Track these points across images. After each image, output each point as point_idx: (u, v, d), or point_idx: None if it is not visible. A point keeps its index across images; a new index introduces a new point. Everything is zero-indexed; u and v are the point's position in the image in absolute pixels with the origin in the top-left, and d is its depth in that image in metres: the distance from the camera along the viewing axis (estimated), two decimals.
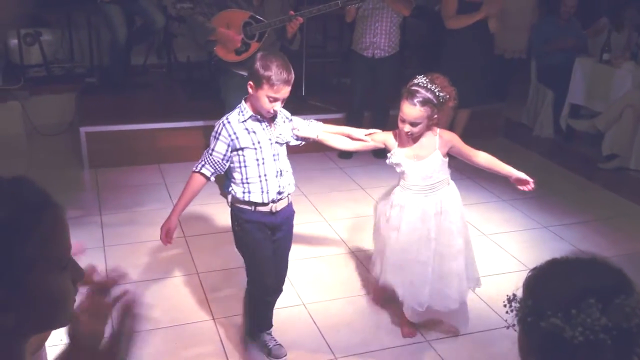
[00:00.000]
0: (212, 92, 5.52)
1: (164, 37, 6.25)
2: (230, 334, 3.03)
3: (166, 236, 2.63)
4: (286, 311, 3.21)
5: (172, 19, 6.18)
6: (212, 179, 2.63)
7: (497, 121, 6.13)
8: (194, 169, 2.60)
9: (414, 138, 2.72)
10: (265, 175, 2.59)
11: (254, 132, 2.57)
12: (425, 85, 2.62)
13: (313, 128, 2.76)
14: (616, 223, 4.33)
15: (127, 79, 5.81)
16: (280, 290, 2.89)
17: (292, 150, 5.08)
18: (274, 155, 2.61)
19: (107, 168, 4.88)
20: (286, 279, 3.40)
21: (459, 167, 5.18)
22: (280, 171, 2.63)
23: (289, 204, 2.72)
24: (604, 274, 1.08)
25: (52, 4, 5.85)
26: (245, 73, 4.04)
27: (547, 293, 1.05)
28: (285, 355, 2.88)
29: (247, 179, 2.59)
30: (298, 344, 2.98)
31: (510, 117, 6.25)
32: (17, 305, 0.88)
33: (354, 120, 5.30)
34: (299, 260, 3.70)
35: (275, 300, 2.90)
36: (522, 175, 2.82)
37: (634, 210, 4.57)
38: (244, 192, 2.60)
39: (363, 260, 3.72)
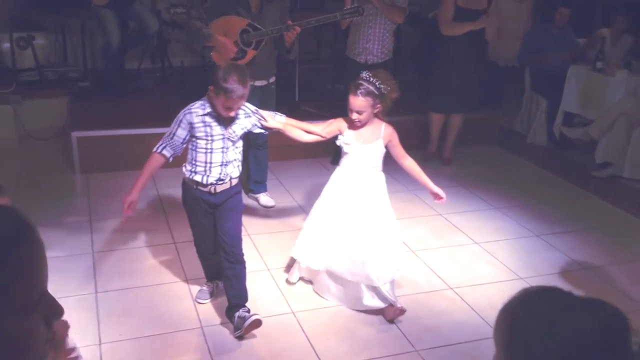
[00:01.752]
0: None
1: (157, 41, 6.23)
2: (218, 342, 3.00)
3: (129, 208, 2.92)
4: (275, 319, 3.19)
5: (166, 24, 6.16)
6: (171, 159, 2.95)
7: (491, 129, 6.12)
8: (155, 149, 2.94)
9: (361, 125, 3.15)
10: (210, 163, 2.94)
11: (209, 125, 2.89)
12: (367, 79, 3.07)
13: (277, 120, 3.14)
14: (609, 232, 4.32)
15: (120, 84, 5.79)
16: (241, 261, 3.05)
17: (285, 157, 5.08)
18: (222, 148, 2.93)
19: (98, 173, 4.86)
20: (274, 283, 3.38)
21: (452, 176, 5.20)
22: (226, 162, 2.96)
23: (231, 186, 3.01)
24: (604, 320, 0.99)
25: (45, 7, 5.83)
26: None
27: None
28: (260, 318, 2.98)
29: (195, 161, 2.95)
30: (286, 352, 2.95)
31: (504, 124, 6.25)
32: None
33: None
34: (290, 267, 3.68)
35: (241, 272, 3.05)
36: (436, 189, 3.27)
37: (627, 219, 4.56)
38: (190, 171, 2.97)
39: None
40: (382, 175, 3.29)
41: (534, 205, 4.67)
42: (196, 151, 2.93)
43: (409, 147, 5.61)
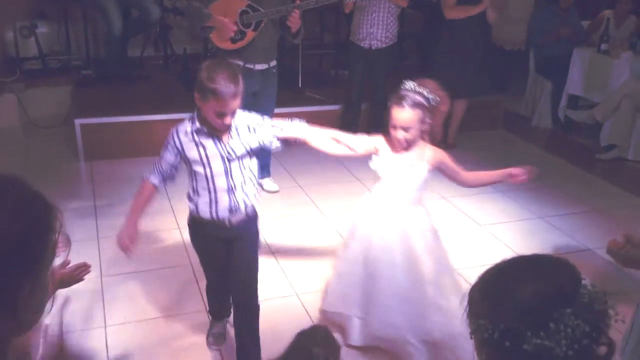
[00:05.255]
0: None
1: (160, 29, 6.22)
2: None
3: (131, 243, 2.48)
4: (279, 301, 3.21)
5: (168, 11, 6.15)
6: (162, 186, 2.54)
7: (496, 113, 6.10)
8: (144, 175, 2.54)
9: (407, 145, 2.60)
10: (215, 191, 2.45)
11: (202, 145, 2.41)
12: (414, 88, 2.56)
13: (297, 128, 2.56)
14: (613, 214, 4.31)
15: (123, 71, 5.79)
16: (255, 314, 2.65)
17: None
18: (225, 170, 2.44)
19: (102, 160, 4.87)
20: (278, 267, 3.37)
21: (456, 160, 5.17)
22: (234, 187, 2.46)
23: (248, 216, 2.55)
24: (555, 271, 1.06)
25: None
26: (241, 62, 4.03)
27: (515, 311, 1.01)
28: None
29: (197, 192, 2.49)
30: (290, 334, 2.94)
31: (509, 108, 6.23)
32: (35, 300, 0.92)
33: (351, 112, 5.29)
34: (294, 250, 3.70)
35: (255, 324, 2.65)
36: (509, 170, 2.74)
37: (631, 201, 4.55)
38: (195, 206, 2.51)
39: None
40: (424, 209, 2.75)
41: (538, 188, 4.66)
42: (196, 179, 2.47)
43: None
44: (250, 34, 3.94)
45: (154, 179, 2.50)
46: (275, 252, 3.68)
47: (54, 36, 6.05)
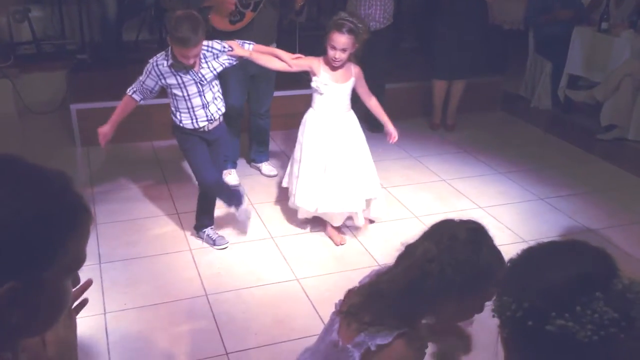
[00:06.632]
0: None
1: (155, 12, 6.14)
2: (223, 310, 3.01)
3: (103, 139, 3.24)
4: (280, 286, 3.19)
5: None
6: (142, 102, 3.19)
7: (495, 94, 6.05)
8: (128, 91, 3.16)
9: (341, 64, 3.20)
10: (192, 108, 3.14)
11: (178, 74, 3.05)
12: (348, 17, 3.14)
13: (246, 48, 3.23)
14: (613, 194, 4.29)
15: (118, 56, 5.72)
16: (223, 186, 3.47)
17: (287, 126, 5.03)
18: (198, 92, 3.11)
19: (99, 145, 4.77)
20: (277, 251, 3.48)
21: (456, 142, 5.16)
22: (207, 103, 3.16)
23: (220, 122, 3.29)
24: (590, 258, 1.02)
25: None
26: None
27: (542, 291, 0.97)
28: (227, 243, 3.49)
29: (178, 109, 3.15)
30: (291, 319, 2.95)
31: (508, 89, 6.18)
32: (26, 302, 0.84)
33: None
34: (293, 235, 3.68)
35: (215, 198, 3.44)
36: (391, 129, 3.42)
37: (632, 181, 4.52)
38: (179, 120, 3.18)
39: (358, 235, 3.69)
40: (353, 112, 3.43)
41: (539, 170, 4.64)
42: (176, 99, 3.13)
43: (413, 114, 5.63)
44: (249, 15, 3.87)
45: (136, 96, 3.15)
46: (275, 237, 3.65)
47: (48, 20, 5.98)
